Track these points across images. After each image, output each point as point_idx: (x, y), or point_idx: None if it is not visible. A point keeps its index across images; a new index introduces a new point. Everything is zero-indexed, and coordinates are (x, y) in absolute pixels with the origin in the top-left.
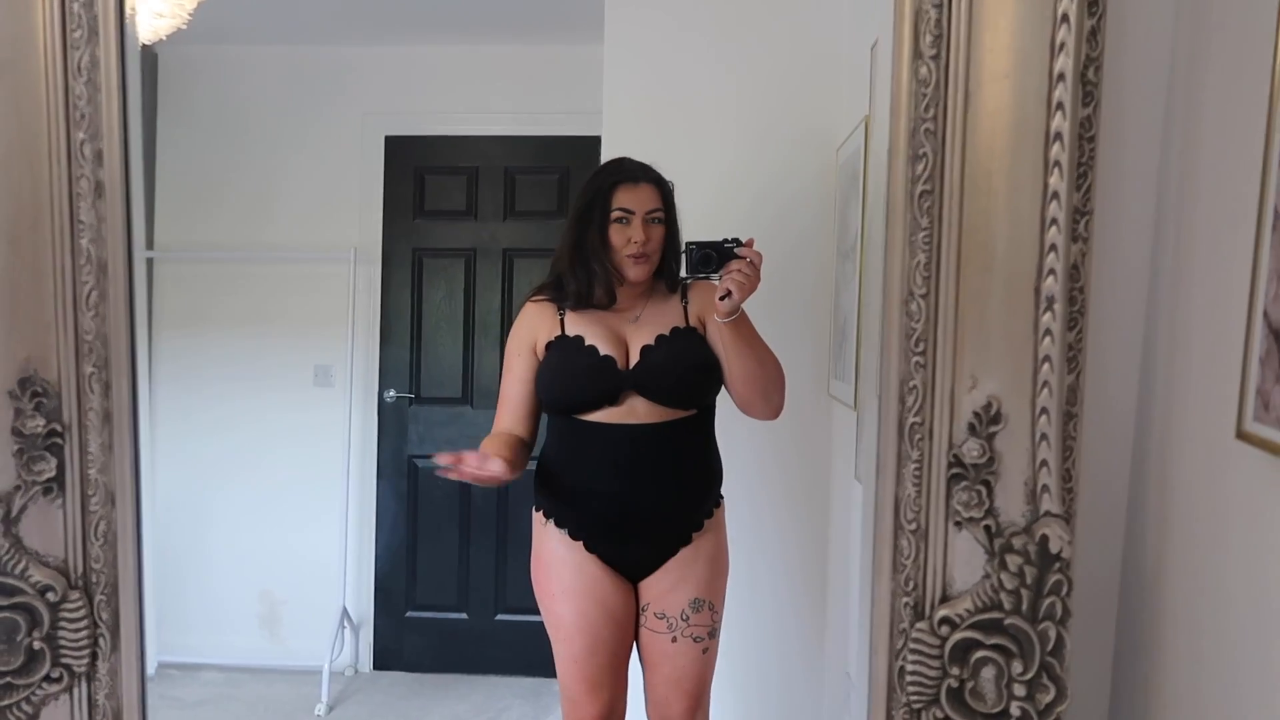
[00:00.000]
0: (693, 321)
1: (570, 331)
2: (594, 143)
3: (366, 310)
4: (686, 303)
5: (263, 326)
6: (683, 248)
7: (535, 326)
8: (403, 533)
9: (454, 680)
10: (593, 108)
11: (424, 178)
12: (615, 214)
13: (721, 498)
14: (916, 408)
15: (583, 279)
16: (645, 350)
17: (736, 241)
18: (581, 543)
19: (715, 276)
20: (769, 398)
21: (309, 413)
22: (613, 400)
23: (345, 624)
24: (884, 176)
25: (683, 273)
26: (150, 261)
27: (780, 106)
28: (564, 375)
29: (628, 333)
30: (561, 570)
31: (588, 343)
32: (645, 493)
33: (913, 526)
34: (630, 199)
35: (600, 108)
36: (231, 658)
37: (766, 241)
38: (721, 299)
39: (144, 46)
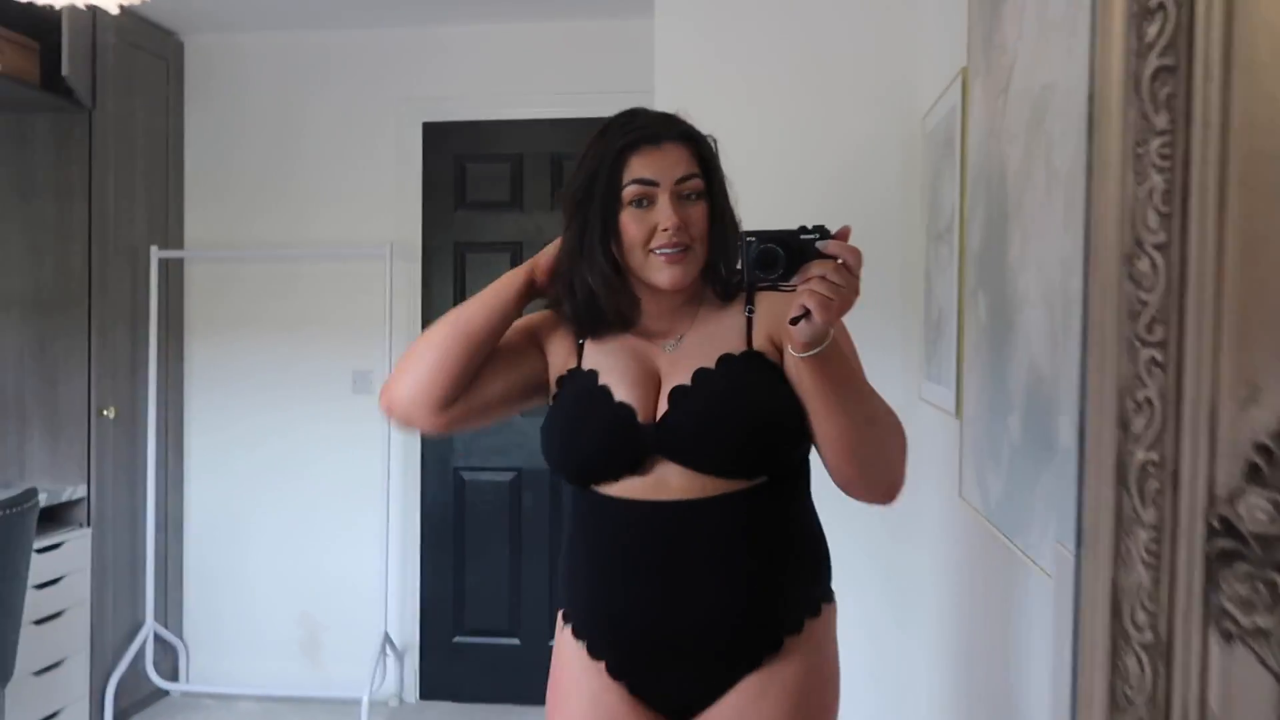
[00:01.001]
0: (760, 343)
1: (586, 364)
2: None
3: (406, 310)
4: (752, 313)
5: (297, 330)
6: (739, 240)
7: (551, 337)
8: (449, 551)
9: (506, 711)
10: (643, 86)
11: (465, 166)
12: (630, 191)
13: (828, 595)
14: (1151, 437)
15: (588, 295)
16: (676, 394)
17: (820, 232)
18: (604, 664)
19: (783, 285)
20: (873, 471)
21: (348, 422)
22: (634, 468)
23: (388, 650)
24: (982, 138)
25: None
26: (181, 262)
27: (854, 73)
28: (565, 430)
29: (662, 365)
30: (574, 697)
31: (601, 382)
32: (687, 601)
33: (1146, 637)
34: (651, 166)
35: (652, 85)
36: (269, 687)
37: (844, 223)
38: (794, 321)
39: (169, 34)
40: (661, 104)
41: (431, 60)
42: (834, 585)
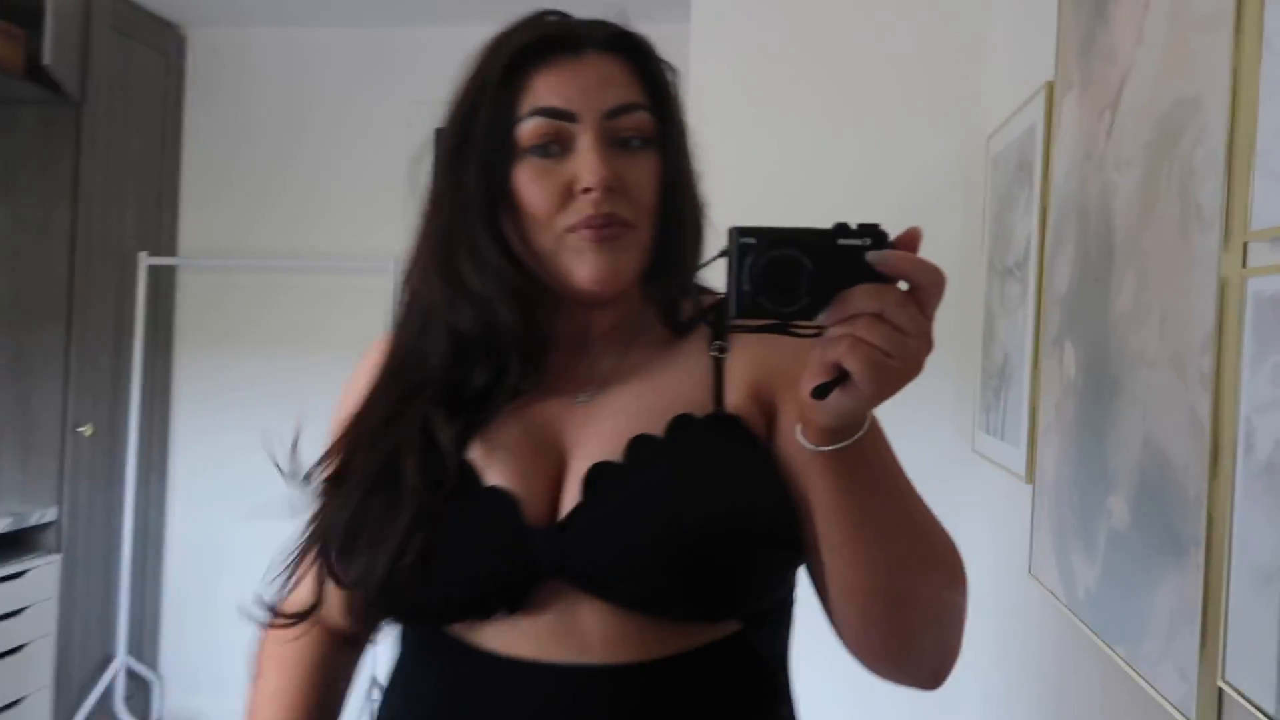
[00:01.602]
0: (736, 402)
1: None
2: None
3: None
4: (722, 355)
5: (296, 344)
6: (730, 242)
7: None
8: None
9: None
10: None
11: None
12: (531, 128)
13: None
14: None
15: (477, 319)
16: (596, 478)
17: (872, 236)
18: None
19: (800, 327)
20: (915, 644)
21: None
22: (516, 602)
23: (374, 692)
24: (1074, 163)
25: (727, 309)
26: (174, 270)
27: (910, 88)
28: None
29: (570, 428)
30: None
31: (464, 456)
32: None
33: None
34: (565, 87)
35: (684, 94)
36: None
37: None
38: (820, 391)
39: (171, 26)
40: (694, 113)
41: (445, 62)
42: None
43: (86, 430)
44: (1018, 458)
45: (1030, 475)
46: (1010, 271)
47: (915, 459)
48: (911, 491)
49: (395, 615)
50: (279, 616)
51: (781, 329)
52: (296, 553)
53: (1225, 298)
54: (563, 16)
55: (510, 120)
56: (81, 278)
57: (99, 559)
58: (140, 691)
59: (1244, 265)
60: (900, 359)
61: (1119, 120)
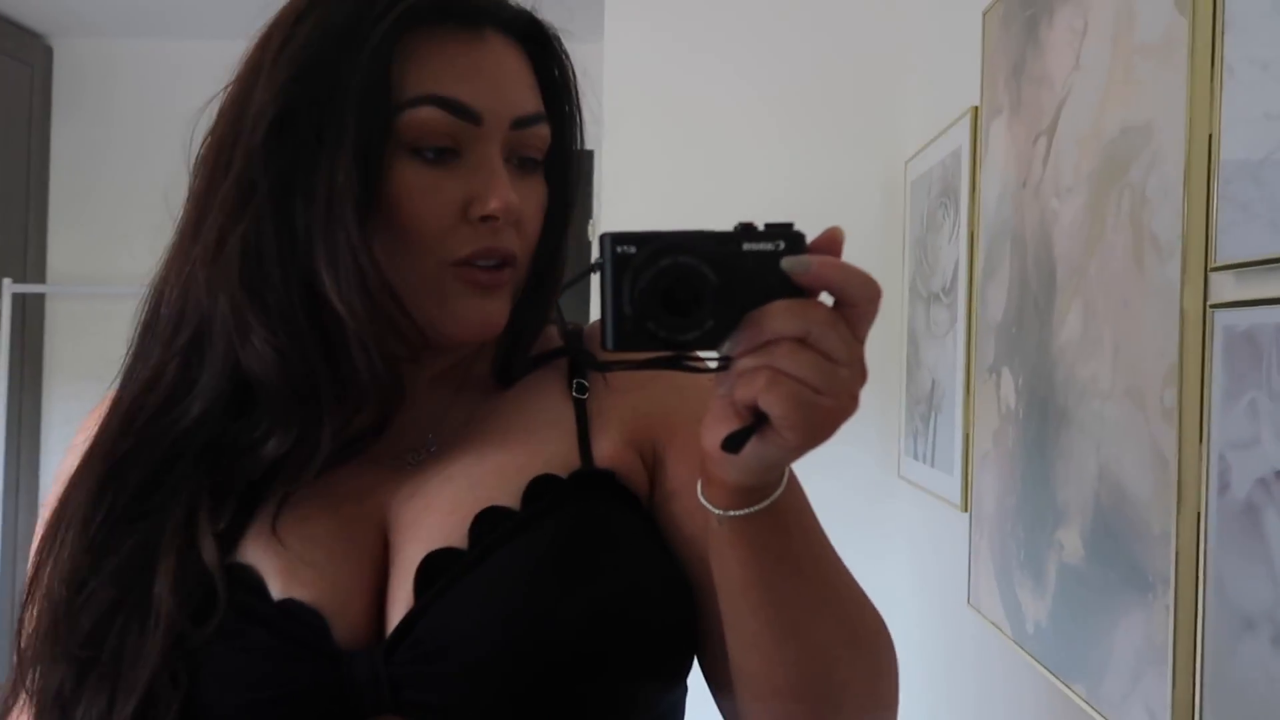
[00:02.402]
0: (608, 453)
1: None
2: (588, 158)
3: None
4: (583, 394)
5: None
6: (596, 251)
7: None
8: None
9: None
10: (589, 115)
11: None
12: (426, 119)
13: None
14: None
15: (268, 350)
16: (432, 571)
17: (786, 239)
18: None
19: (694, 361)
20: None
21: None
22: None
23: None
24: (1006, 189)
25: (603, 339)
26: (42, 298)
27: (827, 111)
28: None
29: (392, 503)
30: None
31: (238, 558)
32: None
33: None
34: (470, 78)
35: (600, 116)
36: None
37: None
38: (732, 443)
39: (37, 38)
40: (610, 135)
41: None
42: None
43: None
44: (951, 485)
45: (965, 503)
46: (936, 297)
47: (837, 484)
48: (837, 562)
49: None
50: None
51: (676, 363)
52: (3, 700)
53: (1186, 330)
54: None
55: (392, 101)
56: None
57: None
58: None
59: (1206, 297)
60: (831, 395)
61: (1057, 146)
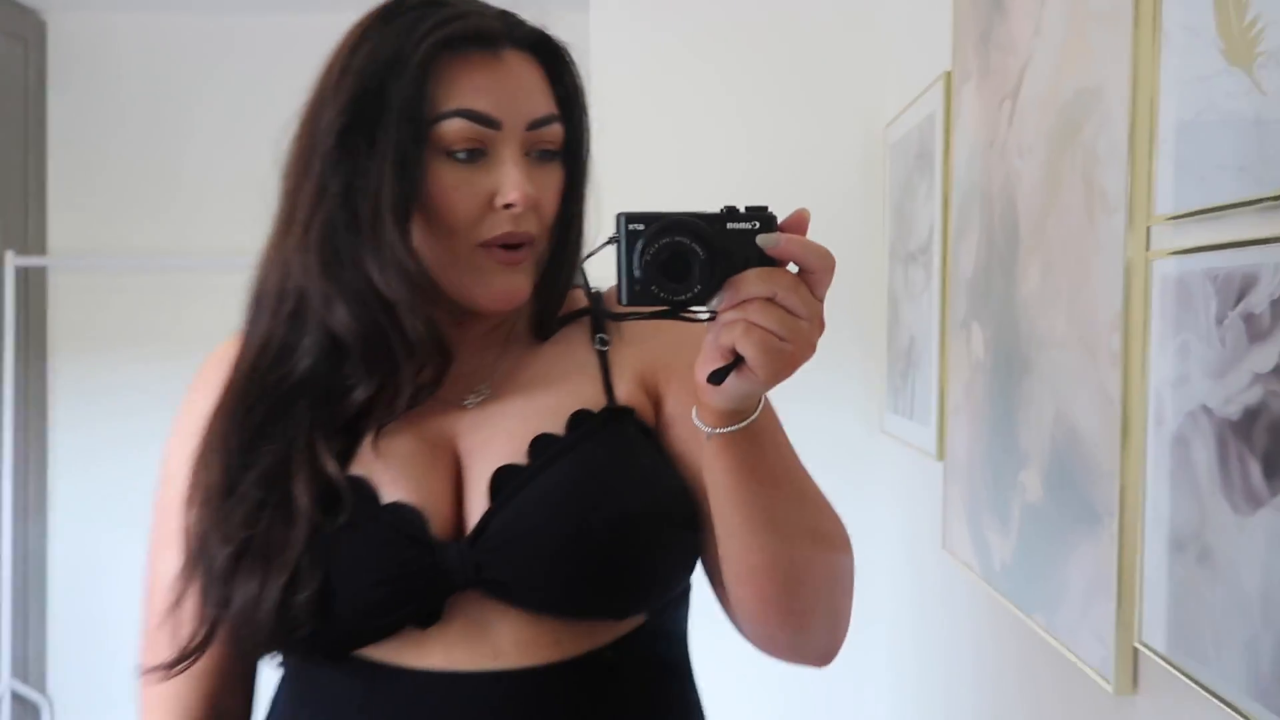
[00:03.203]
0: (627, 393)
1: None
2: None
3: None
4: (604, 346)
5: (182, 347)
6: (615, 229)
7: None
8: None
9: None
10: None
11: None
12: (456, 130)
13: None
14: None
15: (347, 319)
16: (503, 481)
17: (761, 220)
18: None
19: (694, 312)
20: (809, 620)
21: None
22: (425, 618)
23: None
24: (976, 151)
25: (618, 297)
26: (44, 271)
27: (808, 78)
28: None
29: (460, 433)
30: None
31: (353, 471)
32: None
33: None
34: (491, 92)
35: (588, 84)
36: None
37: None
38: (716, 377)
39: (28, 11)
40: (596, 105)
41: (318, 49)
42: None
43: None
44: (928, 436)
45: (941, 453)
46: (913, 257)
47: (824, 442)
48: (802, 470)
49: (287, 648)
50: (157, 669)
51: (674, 314)
52: (176, 585)
53: (1130, 279)
54: (470, 2)
55: (430, 114)
56: None
57: None
58: (29, 715)
59: (1148, 248)
60: (793, 342)
61: (1020, 109)
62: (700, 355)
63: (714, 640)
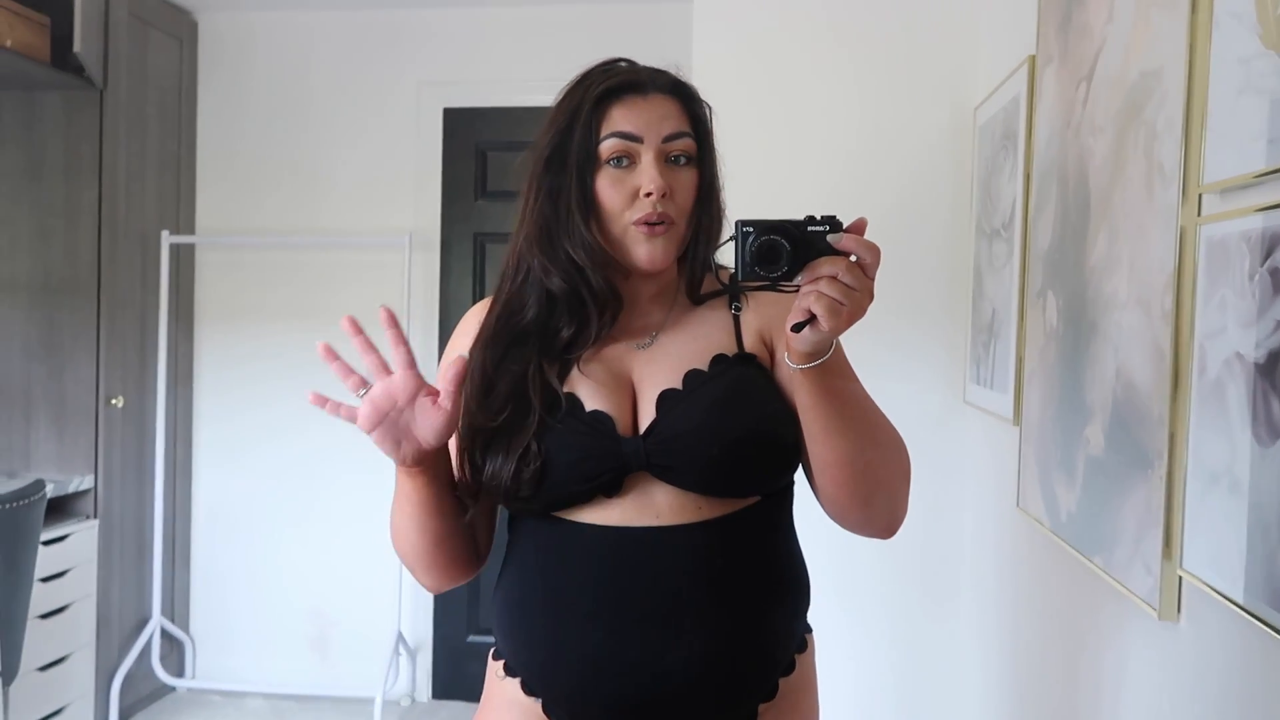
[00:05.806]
0: (751, 344)
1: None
2: None
3: (424, 302)
4: (738, 312)
5: (311, 319)
6: (733, 230)
7: None
8: None
9: None
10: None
11: (486, 155)
12: (609, 146)
13: (809, 626)
14: None
15: (570, 283)
16: (667, 400)
17: (831, 224)
18: None
19: (784, 286)
20: (876, 501)
21: None
22: (610, 489)
23: (401, 649)
24: (1055, 130)
25: (734, 275)
26: (193, 247)
27: (904, 62)
28: (525, 450)
29: (635, 367)
30: None
31: (565, 389)
32: (673, 645)
33: None
34: (634, 118)
35: (690, 68)
36: (277, 684)
37: (885, 218)
38: (797, 328)
39: (183, 12)
40: (701, 89)
41: (453, 43)
42: (867, 602)
43: (118, 402)
44: (1005, 403)
45: (1017, 418)
46: (997, 233)
47: (912, 413)
48: (866, 397)
49: (515, 504)
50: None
51: (771, 288)
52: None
53: (1183, 244)
54: (631, 64)
55: (596, 140)
56: (108, 256)
57: (132, 524)
58: (175, 651)
59: (1199, 215)
60: (850, 305)
61: (1093, 90)
62: (789, 315)
63: (840, 599)
